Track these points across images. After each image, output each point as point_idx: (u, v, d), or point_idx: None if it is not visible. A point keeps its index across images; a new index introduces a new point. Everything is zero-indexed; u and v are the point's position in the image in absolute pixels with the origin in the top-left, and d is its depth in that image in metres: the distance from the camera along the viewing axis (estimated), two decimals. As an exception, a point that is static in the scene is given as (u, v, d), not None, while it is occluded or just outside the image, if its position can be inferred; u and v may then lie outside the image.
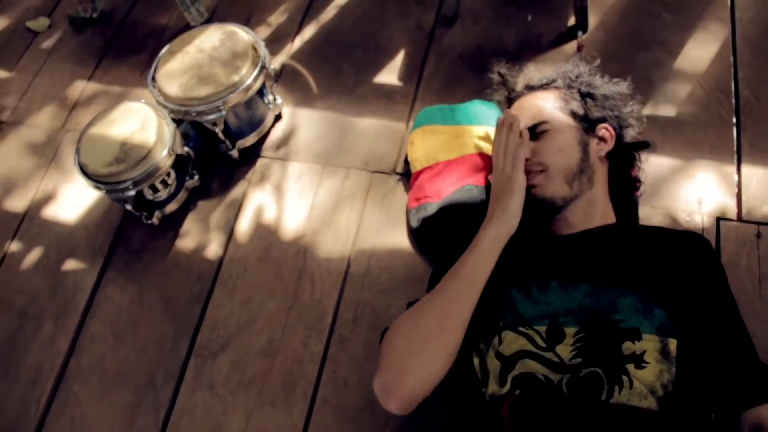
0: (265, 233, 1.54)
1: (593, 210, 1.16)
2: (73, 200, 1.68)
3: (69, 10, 2.03)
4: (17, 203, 1.70)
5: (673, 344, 0.97)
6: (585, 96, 1.23)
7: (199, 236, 1.56)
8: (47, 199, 1.69)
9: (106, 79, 1.86)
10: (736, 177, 1.43)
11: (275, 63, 1.77)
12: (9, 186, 1.74)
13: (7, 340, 1.52)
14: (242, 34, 1.53)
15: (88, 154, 1.43)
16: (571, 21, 1.67)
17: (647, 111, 1.53)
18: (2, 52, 2.00)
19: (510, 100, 1.33)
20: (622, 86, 1.27)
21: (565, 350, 0.99)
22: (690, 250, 1.09)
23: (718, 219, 1.39)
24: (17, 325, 1.54)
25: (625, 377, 0.95)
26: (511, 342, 1.02)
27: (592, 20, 1.68)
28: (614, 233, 1.15)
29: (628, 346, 0.97)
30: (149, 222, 1.54)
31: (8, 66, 1.96)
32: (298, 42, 1.83)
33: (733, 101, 1.52)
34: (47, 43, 1.99)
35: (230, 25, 1.56)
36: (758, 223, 1.37)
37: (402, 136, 1.61)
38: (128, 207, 1.45)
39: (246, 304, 1.46)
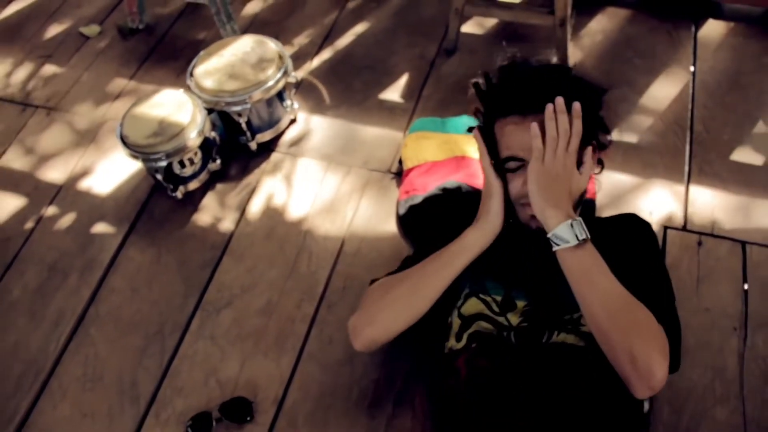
0: (273, 214, 1.86)
1: None
2: (107, 176, 2.01)
3: (119, 21, 2.43)
4: (56, 176, 2.03)
5: None
6: (592, 121, 1.25)
7: (215, 212, 1.88)
8: (83, 174, 2.03)
9: (146, 79, 2.24)
10: (684, 194, 1.75)
11: (288, 86, 2.13)
12: (51, 161, 2.07)
13: (37, 287, 1.81)
14: (271, 44, 1.90)
15: (130, 127, 1.77)
16: (554, 60, 2.03)
17: (613, 137, 1.83)
18: (56, 51, 2.39)
19: (512, 108, 1.23)
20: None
21: (514, 317, 1.25)
22: (625, 227, 1.34)
23: (666, 227, 1.69)
24: (46, 276, 1.83)
25: (562, 333, 1.21)
26: (471, 306, 1.29)
27: (571, 60, 2.05)
28: None
29: (567, 317, 1.21)
30: (173, 195, 1.86)
31: (60, 62, 2.35)
32: (316, 61, 2.21)
33: (688, 133, 1.86)
34: (96, 47, 2.39)
35: (261, 36, 1.93)
36: (700, 233, 1.68)
37: (399, 142, 1.95)
38: (159, 177, 1.78)
39: (250, 271, 1.76)
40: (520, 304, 1.26)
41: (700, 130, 1.86)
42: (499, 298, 1.27)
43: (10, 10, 2.60)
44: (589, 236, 1.14)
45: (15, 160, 2.09)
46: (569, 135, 1.17)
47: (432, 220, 1.55)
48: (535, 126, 1.15)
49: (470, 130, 1.33)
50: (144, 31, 2.40)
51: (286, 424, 1.51)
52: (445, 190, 1.66)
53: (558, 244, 1.14)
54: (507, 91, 1.24)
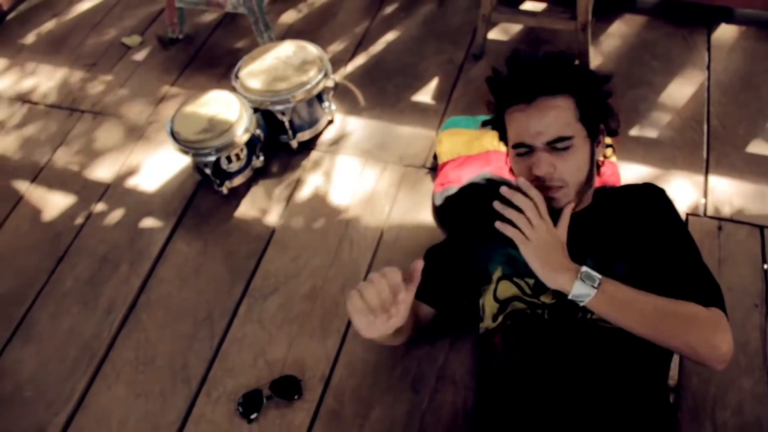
0: (315, 207, 1.98)
1: (581, 201, 1.37)
2: (153, 175, 2.13)
3: (159, 31, 2.59)
4: (104, 175, 2.16)
5: None
6: (596, 105, 1.33)
7: (259, 206, 2.00)
8: (130, 173, 2.15)
9: (187, 85, 2.38)
10: (703, 184, 1.87)
11: (327, 88, 2.27)
12: (98, 162, 2.20)
13: (89, 278, 1.92)
14: (311, 48, 2.04)
15: (181, 124, 1.90)
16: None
17: (634, 133, 2.00)
18: (100, 60, 2.54)
19: (517, 95, 1.30)
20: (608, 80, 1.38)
21: (547, 298, 1.32)
22: (643, 195, 1.39)
23: (688, 215, 1.81)
24: (97, 268, 1.94)
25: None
26: (506, 289, 1.36)
27: (593, 63, 2.19)
28: (588, 213, 1.37)
29: None
30: (219, 189, 1.98)
31: (104, 71, 2.50)
32: (350, 67, 2.36)
33: (705, 128, 1.99)
34: (138, 56, 2.54)
35: (302, 41, 2.07)
36: (720, 219, 1.79)
37: (431, 140, 2.08)
38: (207, 171, 1.90)
39: (294, 260, 1.87)
40: None
41: (716, 125, 2.00)
42: (531, 282, 1.34)
43: (55, 23, 2.76)
44: (601, 277, 1.20)
45: (63, 161, 2.22)
46: (535, 205, 1.23)
47: (467, 209, 1.66)
48: (499, 223, 1.23)
49: (484, 124, 1.45)
50: (183, 41, 2.55)
51: (333, 400, 1.60)
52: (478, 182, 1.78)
53: (582, 300, 1.20)
54: (511, 81, 1.32)
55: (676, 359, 1.53)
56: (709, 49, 2.22)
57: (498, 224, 1.23)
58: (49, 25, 2.75)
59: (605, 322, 1.25)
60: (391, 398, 1.58)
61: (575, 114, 1.28)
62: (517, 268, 1.37)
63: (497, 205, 1.24)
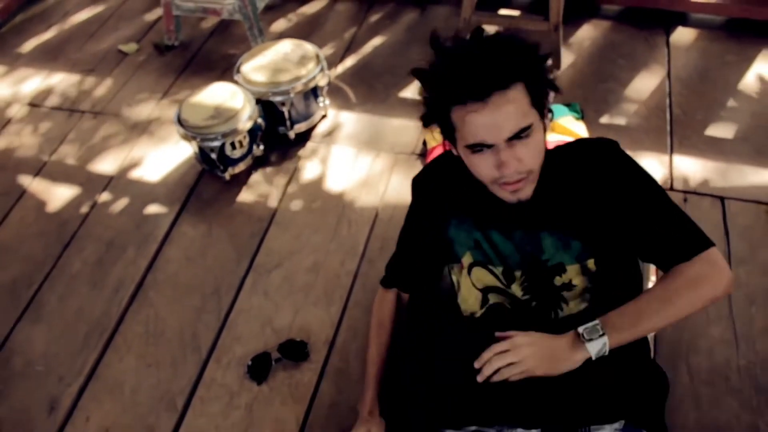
0: (313, 191, 2.15)
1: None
2: (155, 167, 2.29)
3: (154, 39, 2.78)
4: (107, 168, 2.30)
5: (591, 262, 1.28)
6: (544, 87, 1.24)
7: (260, 191, 2.16)
8: (133, 166, 2.30)
9: (185, 86, 2.56)
10: (668, 163, 2.11)
11: (323, 83, 2.46)
12: (101, 157, 2.35)
13: (96, 261, 2.05)
14: (308, 45, 2.25)
15: (188, 112, 2.07)
16: (549, 62, 2.40)
17: (605, 121, 2.24)
18: (98, 66, 2.71)
19: (468, 95, 1.16)
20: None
21: (517, 289, 1.33)
22: (598, 159, 1.30)
23: (657, 189, 2.03)
24: (104, 251, 2.07)
25: (563, 303, 1.30)
26: (482, 276, 1.36)
27: (565, 62, 2.45)
28: (541, 182, 1.27)
29: (557, 280, 1.29)
30: (222, 175, 2.14)
31: (103, 75, 2.67)
32: (340, 68, 2.57)
33: (668, 116, 2.25)
34: (136, 61, 2.72)
35: (298, 40, 2.27)
36: (685, 192, 2.02)
37: (420, 130, 2.27)
38: (213, 156, 2.06)
39: (296, 237, 2.03)
40: (517, 273, 1.33)
41: (678, 113, 2.25)
42: (500, 270, 1.34)
43: (51, 33, 2.94)
44: (597, 321, 1.22)
45: (66, 157, 2.36)
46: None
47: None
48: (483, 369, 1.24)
49: (424, 121, 1.35)
50: (179, 48, 2.74)
51: (338, 360, 1.75)
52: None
53: (605, 351, 1.21)
54: (458, 80, 1.19)
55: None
56: (668, 49, 2.49)
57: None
58: (45, 36, 2.92)
59: (579, 320, 1.26)
60: (394, 355, 1.72)
61: (528, 101, 1.18)
62: (487, 254, 1.36)
63: (478, 365, 1.26)
